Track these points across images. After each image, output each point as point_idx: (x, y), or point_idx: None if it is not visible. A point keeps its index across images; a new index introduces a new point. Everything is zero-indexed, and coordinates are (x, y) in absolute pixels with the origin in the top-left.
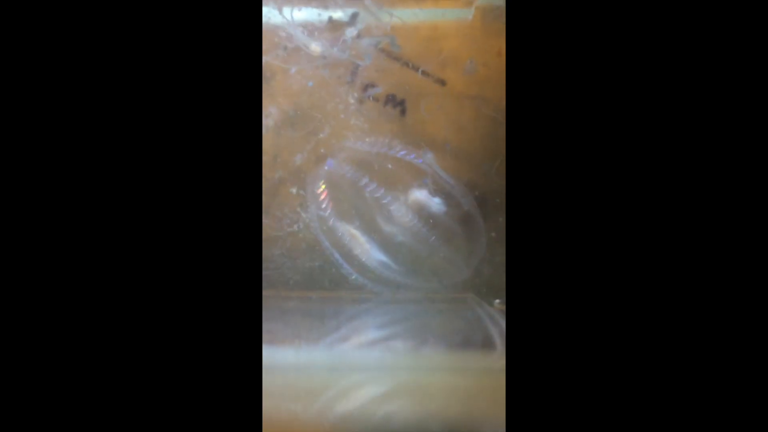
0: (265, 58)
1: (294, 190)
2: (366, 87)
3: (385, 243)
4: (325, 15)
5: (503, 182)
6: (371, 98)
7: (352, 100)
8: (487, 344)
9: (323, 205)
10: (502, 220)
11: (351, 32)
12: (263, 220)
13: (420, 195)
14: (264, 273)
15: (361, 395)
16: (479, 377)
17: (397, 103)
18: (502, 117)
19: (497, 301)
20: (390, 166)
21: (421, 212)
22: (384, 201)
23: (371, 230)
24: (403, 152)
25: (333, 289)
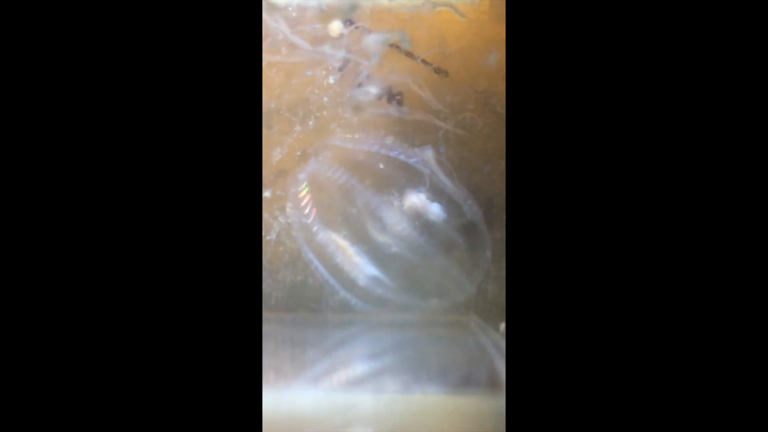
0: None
1: (268, 194)
2: (358, 78)
3: (377, 255)
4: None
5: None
6: (360, 86)
7: (341, 91)
8: (490, 383)
9: (306, 211)
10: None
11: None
12: None
13: (416, 200)
14: None
15: None
16: (481, 421)
17: (393, 96)
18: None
19: (503, 325)
20: (382, 166)
21: (418, 220)
22: (375, 207)
23: (361, 240)
24: (396, 151)
25: (317, 309)
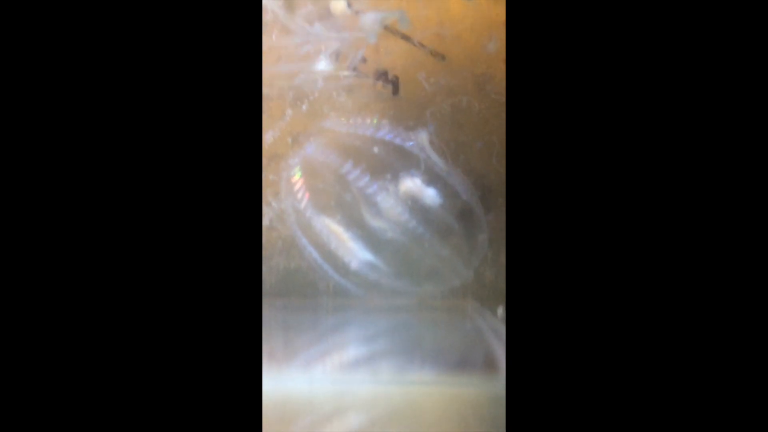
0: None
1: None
2: (351, 61)
3: (372, 240)
4: None
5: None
6: (355, 69)
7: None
8: (487, 366)
9: (299, 196)
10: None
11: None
12: None
13: (412, 184)
14: None
15: (341, 425)
16: (478, 405)
17: (389, 80)
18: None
19: (501, 309)
20: (376, 150)
21: (414, 204)
22: (369, 191)
23: (356, 225)
24: (391, 135)
25: (312, 295)
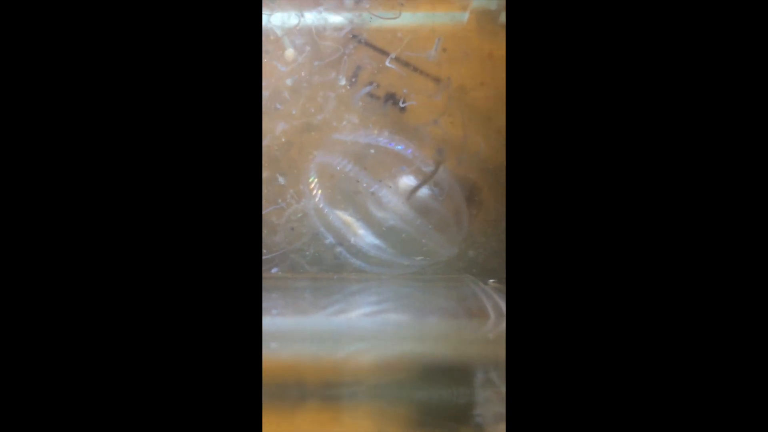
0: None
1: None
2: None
3: (377, 228)
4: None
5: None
6: (370, 95)
7: (350, 97)
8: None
9: (315, 195)
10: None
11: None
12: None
13: (407, 181)
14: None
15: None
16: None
17: (396, 101)
18: (501, 124)
19: (492, 280)
20: (373, 151)
21: (409, 197)
22: (372, 189)
23: (364, 217)
24: (392, 143)
25: (336, 270)
